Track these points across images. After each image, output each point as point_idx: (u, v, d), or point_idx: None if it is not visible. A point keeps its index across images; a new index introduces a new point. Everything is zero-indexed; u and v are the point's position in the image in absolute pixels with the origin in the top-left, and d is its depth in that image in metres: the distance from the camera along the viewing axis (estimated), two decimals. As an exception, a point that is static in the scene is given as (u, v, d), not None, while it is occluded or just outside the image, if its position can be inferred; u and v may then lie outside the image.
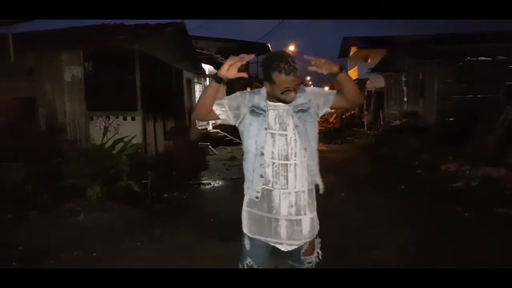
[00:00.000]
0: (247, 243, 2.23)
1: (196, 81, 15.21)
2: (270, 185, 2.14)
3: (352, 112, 22.53)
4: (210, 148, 12.30)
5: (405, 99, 17.10)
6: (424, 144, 10.82)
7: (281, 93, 2.05)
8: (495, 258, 3.90)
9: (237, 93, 2.22)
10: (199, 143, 12.48)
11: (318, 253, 2.30)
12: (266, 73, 2.05)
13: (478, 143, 8.29)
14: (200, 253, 4.22)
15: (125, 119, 8.61)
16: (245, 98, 2.19)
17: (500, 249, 4.13)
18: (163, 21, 10.26)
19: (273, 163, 2.12)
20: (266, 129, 2.12)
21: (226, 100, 2.17)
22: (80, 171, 5.92)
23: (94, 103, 8.70)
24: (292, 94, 2.05)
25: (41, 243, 4.49)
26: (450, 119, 12.31)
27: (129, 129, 7.97)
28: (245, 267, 2.23)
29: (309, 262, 2.27)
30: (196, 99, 14.92)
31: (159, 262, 3.97)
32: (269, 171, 2.13)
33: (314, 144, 2.19)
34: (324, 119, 24.17)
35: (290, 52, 2.15)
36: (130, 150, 6.55)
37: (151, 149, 9.30)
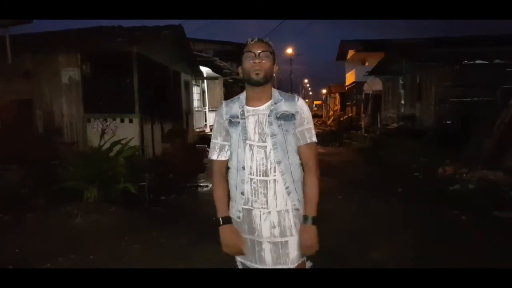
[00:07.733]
0: (239, 265, 2.11)
1: (194, 83, 15.22)
2: (250, 204, 1.94)
3: (350, 115, 22.60)
4: (207, 150, 12.28)
5: (402, 102, 17.17)
6: (421, 147, 10.85)
7: (248, 64, 1.87)
8: (492, 260, 3.90)
9: (216, 118, 2.04)
10: (197, 145, 12.47)
11: None
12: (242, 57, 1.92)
13: (475, 146, 8.30)
14: (198, 255, 4.20)
15: (122, 121, 8.61)
16: (222, 115, 2.00)
17: (497, 252, 4.13)
18: (161, 23, 10.27)
19: (252, 179, 1.91)
20: (245, 140, 1.92)
21: (220, 139, 2.02)
22: (77, 173, 5.90)
23: (92, 106, 8.70)
24: (257, 61, 1.85)
25: (38, 246, 4.46)
26: (447, 122, 12.35)
27: (126, 131, 7.98)
28: None
29: None
30: (194, 102, 14.97)
31: (157, 264, 3.95)
32: (248, 188, 1.93)
33: (293, 158, 1.95)
34: (321, 122, 24.24)
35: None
36: (128, 152, 6.54)
37: (148, 152, 9.28)
